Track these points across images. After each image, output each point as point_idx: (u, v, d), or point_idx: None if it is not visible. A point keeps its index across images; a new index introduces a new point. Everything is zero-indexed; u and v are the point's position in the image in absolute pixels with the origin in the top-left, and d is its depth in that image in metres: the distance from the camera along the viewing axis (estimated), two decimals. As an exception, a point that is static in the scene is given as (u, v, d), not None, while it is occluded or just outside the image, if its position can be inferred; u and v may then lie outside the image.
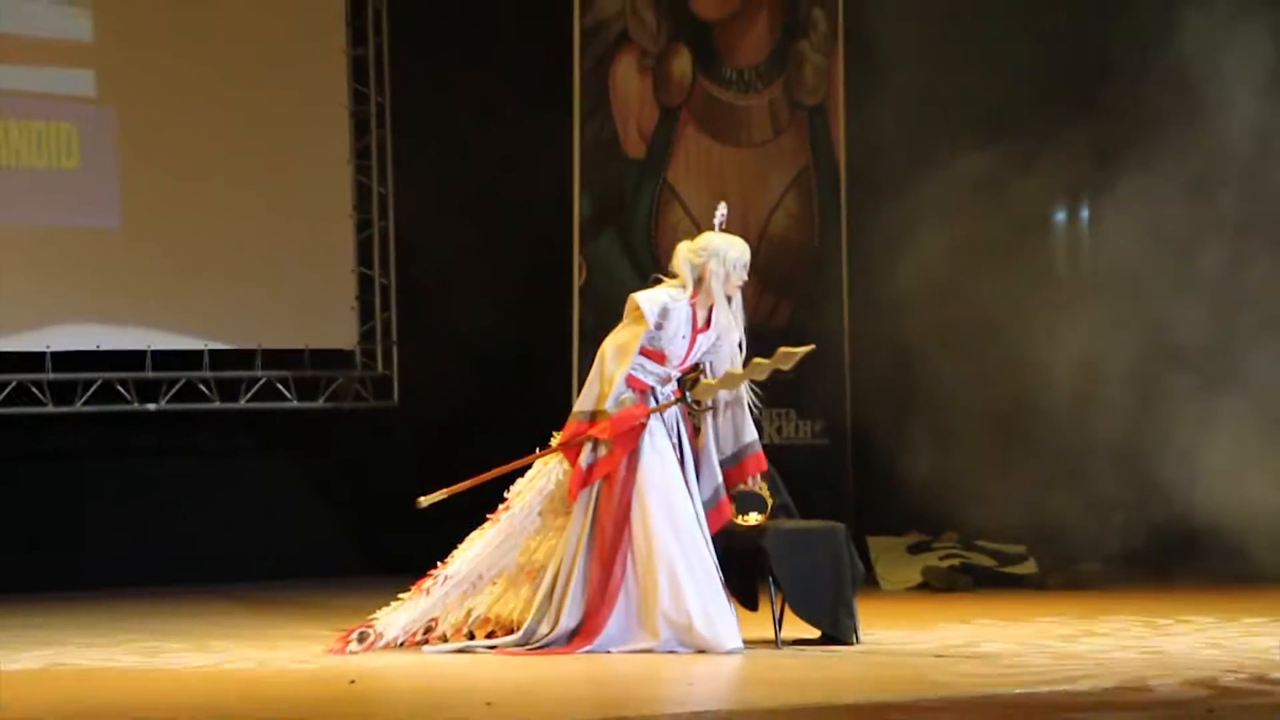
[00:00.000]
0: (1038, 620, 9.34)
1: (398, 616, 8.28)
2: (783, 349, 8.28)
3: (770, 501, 8.32)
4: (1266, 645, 8.22)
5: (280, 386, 11.28)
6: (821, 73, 11.47)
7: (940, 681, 7.32)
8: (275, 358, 11.28)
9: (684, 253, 8.28)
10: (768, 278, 11.18)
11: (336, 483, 11.55)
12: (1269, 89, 10.50)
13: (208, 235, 11.07)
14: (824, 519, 8.74)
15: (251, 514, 11.32)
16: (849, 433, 11.61)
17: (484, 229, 11.51)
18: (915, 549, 11.05)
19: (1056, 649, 8.25)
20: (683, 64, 11.21)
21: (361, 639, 8.19)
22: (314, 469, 11.53)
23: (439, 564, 8.38)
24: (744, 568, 8.40)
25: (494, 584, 8.29)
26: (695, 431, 8.31)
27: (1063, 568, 10.79)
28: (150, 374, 10.97)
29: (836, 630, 8.38)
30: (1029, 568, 10.85)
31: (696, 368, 8.31)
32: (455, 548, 8.48)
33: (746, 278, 8.28)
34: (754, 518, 8.27)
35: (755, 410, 8.39)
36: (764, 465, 8.29)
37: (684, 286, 8.22)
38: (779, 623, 8.37)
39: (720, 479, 8.24)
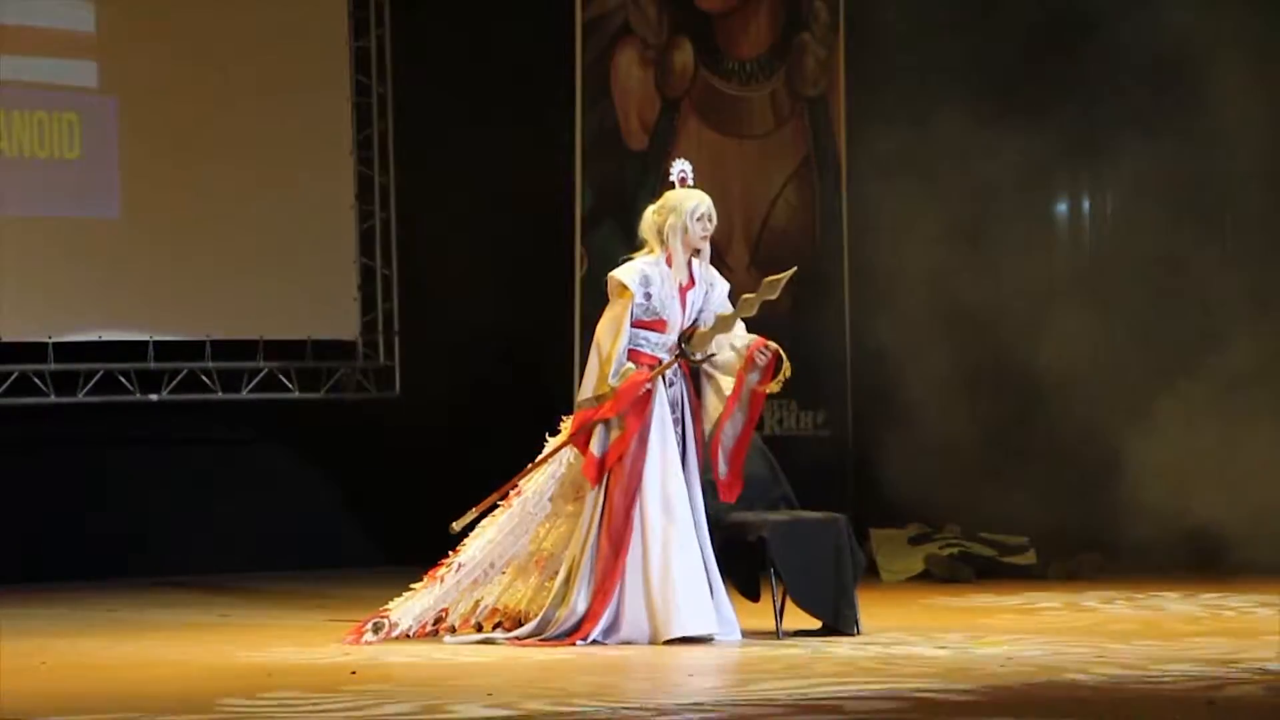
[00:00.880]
0: (1038, 611, 9.35)
1: (411, 606, 8.27)
2: (766, 279, 8.26)
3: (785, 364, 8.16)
4: (1265, 637, 8.22)
5: (282, 377, 11.29)
6: (823, 64, 11.47)
7: (941, 672, 7.33)
8: (277, 348, 11.29)
9: (647, 216, 8.32)
10: (769, 268, 11.16)
11: (338, 474, 11.56)
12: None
13: (210, 226, 11.07)
14: (825, 510, 8.75)
15: (253, 505, 11.33)
16: (850, 424, 11.62)
17: (486, 220, 11.51)
18: (917, 540, 11.05)
19: (1056, 640, 8.25)
20: (684, 56, 11.21)
21: (376, 629, 8.18)
22: (316, 460, 11.54)
23: (452, 552, 8.34)
24: (745, 558, 8.41)
25: (503, 573, 8.28)
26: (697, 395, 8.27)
27: (1063, 559, 10.79)
28: (152, 365, 10.98)
29: (838, 621, 8.38)
30: (1029, 559, 10.85)
31: (695, 325, 8.26)
32: (462, 537, 8.47)
33: (710, 228, 8.25)
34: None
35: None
36: (762, 343, 8.16)
37: (654, 251, 8.22)
38: (780, 614, 8.38)
39: (728, 453, 8.21)
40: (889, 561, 10.92)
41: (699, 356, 8.23)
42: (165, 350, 11.01)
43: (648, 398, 8.13)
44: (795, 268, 8.40)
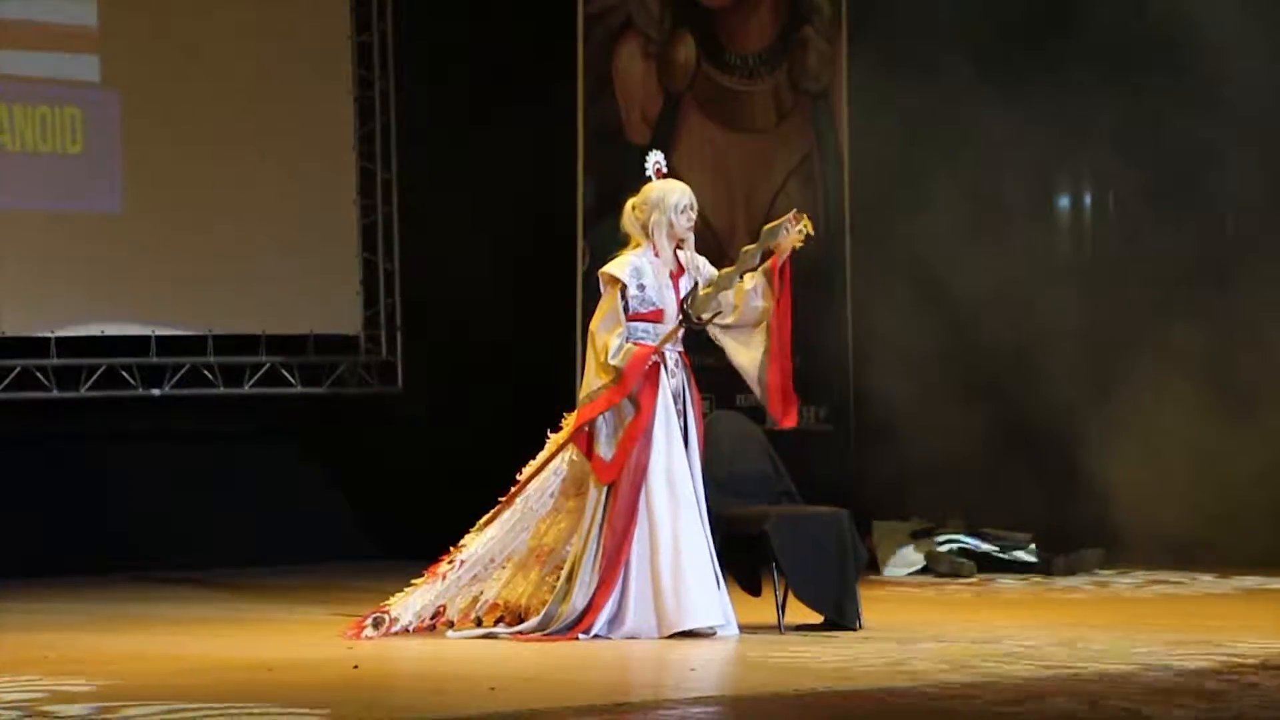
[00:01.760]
0: (1041, 606, 9.35)
1: (411, 601, 8.26)
2: (765, 226, 8.26)
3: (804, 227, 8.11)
4: (1266, 628, 8.22)
5: (284, 372, 11.29)
6: (825, 59, 11.46)
7: (943, 666, 7.33)
8: (279, 343, 11.29)
9: (628, 212, 8.30)
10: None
11: (340, 468, 11.56)
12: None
13: (211, 220, 11.08)
14: (828, 504, 8.75)
15: (255, 499, 11.33)
16: (853, 418, 11.61)
17: (488, 215, 11.52)
18: (919, 535, 11.05)
19: (1059, 634, 8.25)
20: (687, 50, 11.20)
21: (376, 624, 8.17)
22: (317, 454, 11.54)
23: (452, 548, 8.33)
24: (747, 553, 8.41)
25: (503, 568, 8.27)
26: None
27: (1066, 554, 10.79)
28: (154, 359, 10.98)
29: (839, 616, 8.38)
30: (1032, 554, 10.85)
31: (694, 288, 8.21)
32: (462, 532, 8.47)
33: (694, 218, 8.24)
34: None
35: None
36: (779, 250, 8.13)
37: (639, 245, 8.22)
38: (782, 608, 8.37)
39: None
40: (889, 555, 10.92)
41: (704, 318, 8.19)
42: (167, 345, 11.01)
43: (657, 372, 8.10)
44: (795, 211, 8.34)
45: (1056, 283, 11.17)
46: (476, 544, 8.30)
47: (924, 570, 10.86)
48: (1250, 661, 7.42)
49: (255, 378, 11.21)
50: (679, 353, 8.24)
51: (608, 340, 8.13)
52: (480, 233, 11.51)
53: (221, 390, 11.12)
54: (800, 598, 8.40)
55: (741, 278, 8.24)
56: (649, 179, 8.33)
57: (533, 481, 8.31)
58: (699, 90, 11.24)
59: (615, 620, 8.05)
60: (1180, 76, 10.65)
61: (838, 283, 11.64)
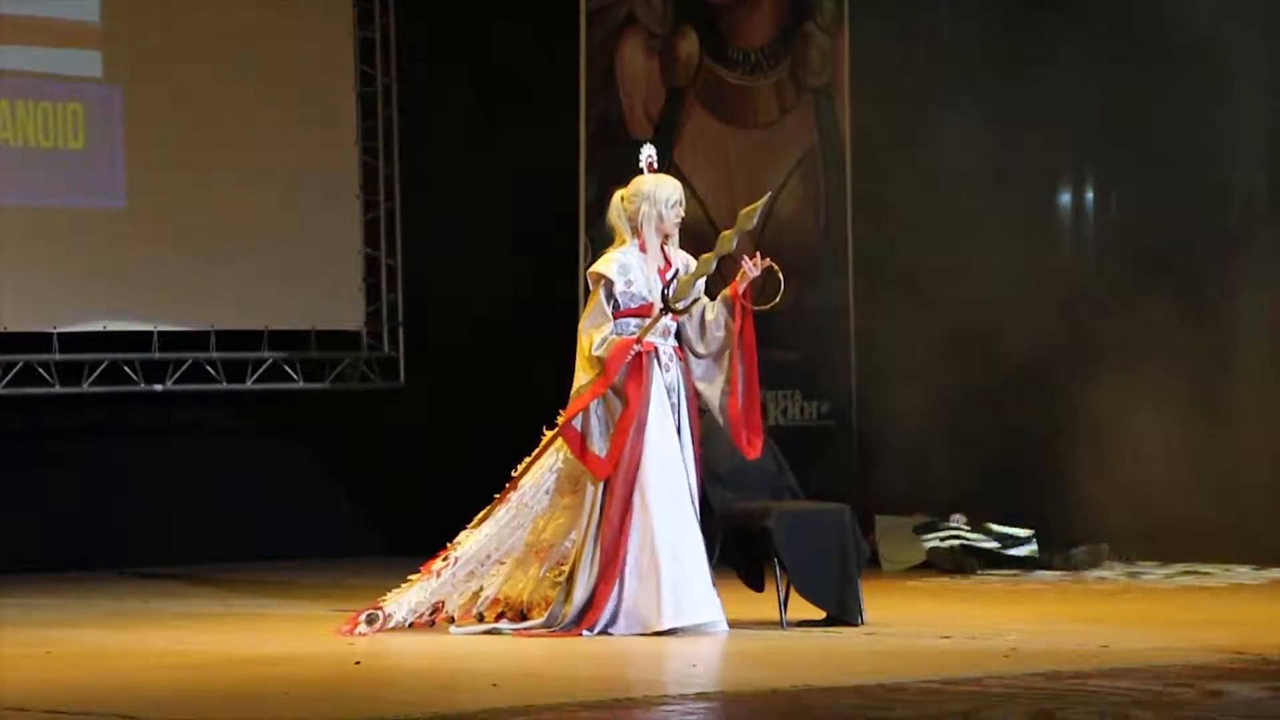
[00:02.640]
0: (1042, 602, 9.35)
1: (406, 598, 8.26)
2: (742, 210, 8.23)
3: (781, 279, 8.10)
4: (1270, 625, 8.22)
5: (287, 367, 11.29)
6: (827, 54, 11.46)
7: (945, 662, 7.33)
8: (282, 339, 11.29)
9: (616, 203, 8.26)
10: (772, 258, 11.15)
11: (342, 463, 11.56)
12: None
13: (214, 216, 11.08)
14: (829, 500, 8.75)
15: (257, 495, 11.33)
16: (854, 414, 11.61)
17: (490, 211, 11.52)
18: (921, 530, 11.05)
19: (1060, 630, 8.25)
20: (689, 45, 11.20)
21: (370, 621, 8.18)
22: (320, 450, 11.54)
23: (447, 545, 8.34)
24: (749, 549, 8.41)
25: (501, 564, 8.27)
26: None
27: (1068, 550, 10.78)
28: (157, 355, 10.98)
29: (841, 611, 8.38)
30: (1032, 550, 10.85)
31: (674, 276, 8.16)
32: (462, 528, 8.47)
33: (682, 214, 8.22)
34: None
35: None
36: (735, 280, 8.13)
37: (626, 239, 8.19)
38: (784, 604, 8.37)
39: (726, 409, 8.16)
40: (892, 552, 10.91)
41: (682, 305, 8.14)
42: (170, 340, 11.01)
43: (640, 364, 8.07)
44: (770, 194, 8.39)
45: (1060, 278, 11.17)
46: (471, 541, 8.29)
47: (926, 566, 10.85)
48: (1250, 656, 7.42)
49: (257, 373, 11.21)
50: (673, 347, 8.20)
51: (593, 335, 8.12)
52: (482, 228, 11.51)
53: (224, 386, 11.13)
54: (802, 593, 8.40)
55: (717, 265, 8.21)
56: (640, 171, 8.31)
57: (527, 478, 8.29)
58: (701, 86, 11.23)
59: (616, 617, 8.04)
60: (1184, 68, 10.65)
61: (839, 278, 11.63)
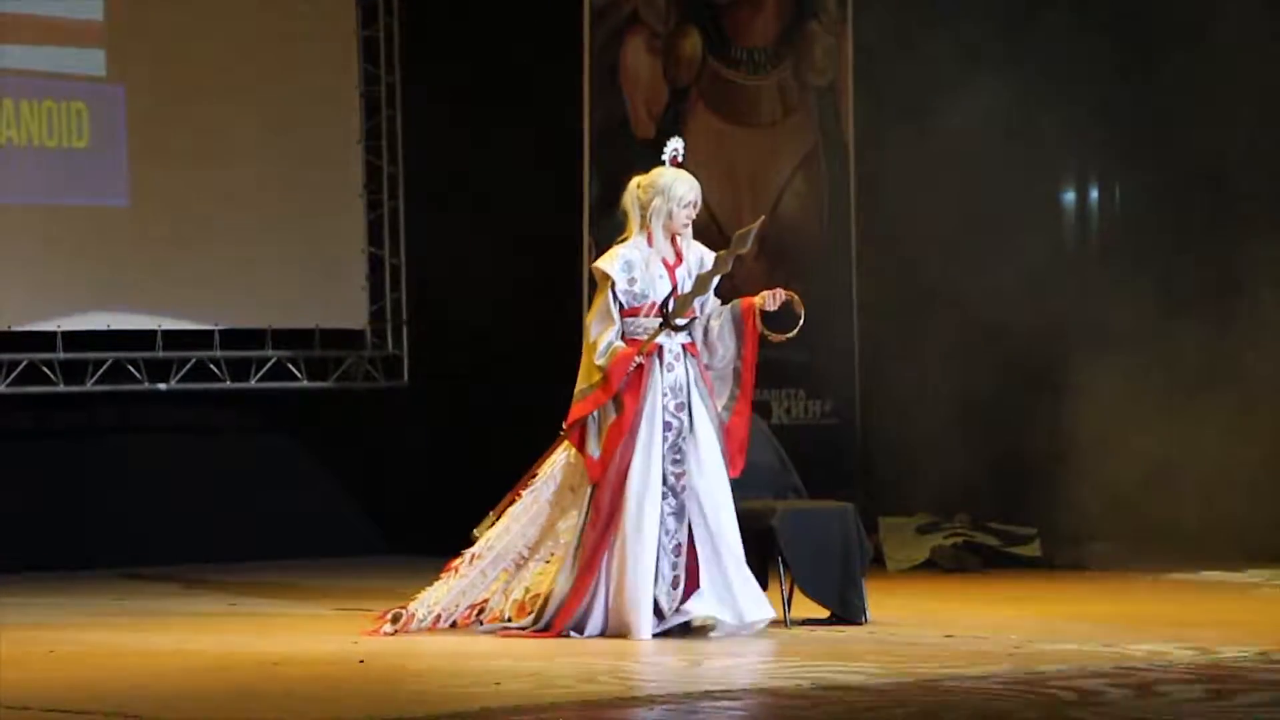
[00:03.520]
0: (1045, 601, 9.35)
1: (426, 598, 8.14)
2: (737, 232, 8.17)
3: (800, 314, 8.03)
4: (1274, 624, 8.22)
5: (290, 366, 11.30)
6: (831, 53, 11.46)
7: (948, 660, 7.33)
8: (285, 338, 11.29)
9: (631, 189, 8.16)
10: (777, 258, 11.18)
11: (346, 463, 11.56)
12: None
13: (218, 214, 11.08)
14: (833, 499, 8.75)
15: (260, 494, 11.33)
16: (858, 413, 11.62)
17: (494, 210, 11.51)
18: (924, 529, 11.05)
19: (1063, 629, 8.25)
20: (693, 44, 11.20)
21: (395, 620, 8.06)
22: (323, 449, 11.54)
23: (468, 544, 8.18)
24: (754, 547, 8.41)
25: (547, 561, 8.12)
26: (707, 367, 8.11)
27: (1071, 549, 10.79)
28: (160, 354, 10.98)
29: (845, 610, 8.39)
30: (1035, 549, 10.85)
31: (673, 291, 8.06)
32: (466, 526, 8.45)
33: (694, 215, 8.12)
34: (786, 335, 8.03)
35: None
36: (753, 302, 8.05)
37: (635, 233, 8.09)
38: (788, 602, 8.38)
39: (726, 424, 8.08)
40: (895, 550, 10.92)
41: (682, 321, 8.05)
42: (173, 339, 11.01)
43: (640, 374, 7.99)
44: (763, 217, 8.32)
45: (1063, 277, 11.17)
46: (492, 538, 8.17)
47: (929, 565, 10.86)
48: (1254, 656, 7.42)
49: (261, 372, 11.21)
50: (682, 344, 8.13)
51: (598, 339, 8.04)
52: (486, 227, 11.51)
53: (228, 384, 11.13)
54: (806, 592, 8.41)
55: (717, 282, 8.12)
56: (662, 162, 8.19)
57: (541, 475, 8.22)
58: (705, 84, 11.23)
59: (587, 620, 7.94)
60: (1190, 70, 10.65)
61: (843, 276, 11.64)
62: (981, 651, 7.61)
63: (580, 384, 8.10)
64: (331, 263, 11.39)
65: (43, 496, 10.87)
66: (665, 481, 7.99)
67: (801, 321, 8.12)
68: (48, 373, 10.77)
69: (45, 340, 10.77)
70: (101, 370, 10.86)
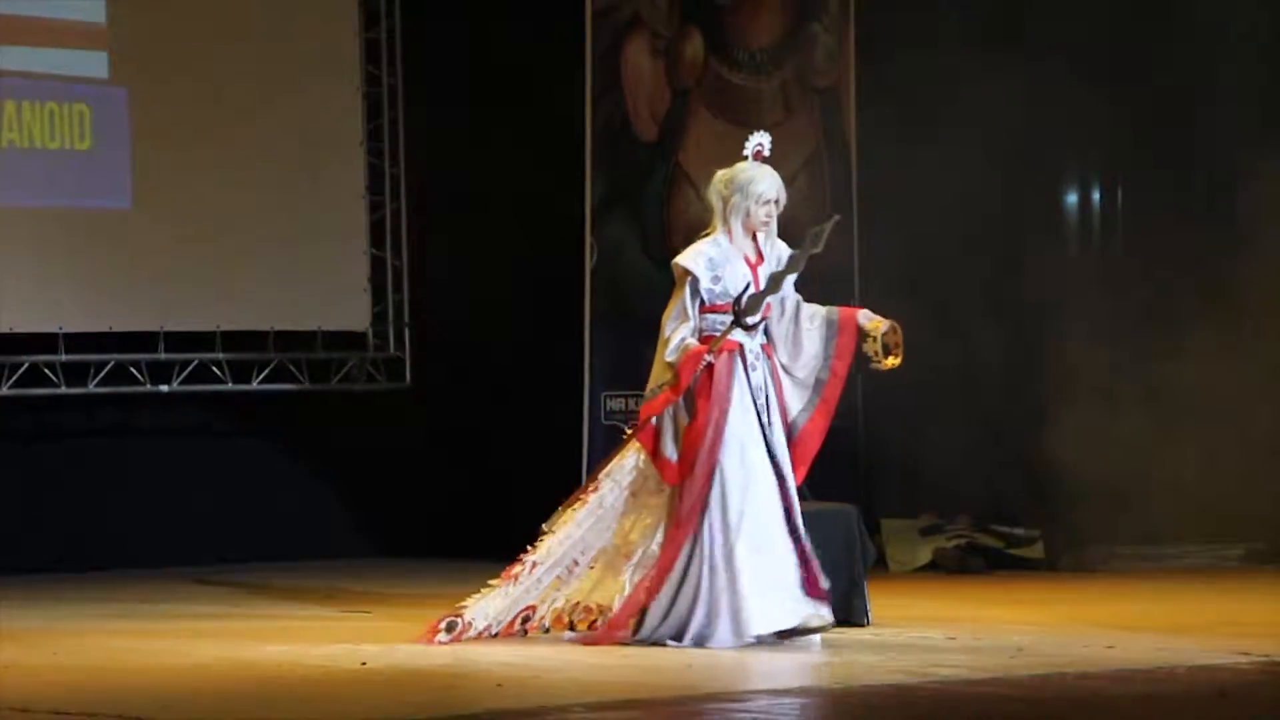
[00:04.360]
0: (1049, 603, 9.34)
1: (485, 606, 7.84)
2: (810, 231, 7.99)
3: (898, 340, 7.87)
4: (1277, 626, 8.22)
5: (292, 368, 11.29)
6: (833, 55, 11.45)
7: (952, 662, 7.32)
8: (287, 339, 11.29)
9: (714, 182, 7.96)
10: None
11: (348, 465, 11.55)
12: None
13: (220, 217, 11.08)
14: (837, 501, 8.74)
15: (263, 496, 11.33)
16: (862, 415, 11.60)
17: (496, 212, 11.51)
18: (927, 531, 11.05)
19: (1067, 631, 8.25)
20: (695, 47, 11.19)
21: (450, 629, 7.79)
22: (326, 451, 11.54)
23: (528, 549, 7.94)
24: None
25: (591, 569, 7.89)
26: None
27: (1074, 551, 10.78)
28: (163, 355, 10.98)
29: (848, 612, 8.37)
30: (1037, 551, 10.84)
31: (745, 289, 7.83)
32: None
33: (775, 213, 7.91)
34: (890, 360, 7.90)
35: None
36: (855, 316, 7.90)
37: (718, 229, 7.88)
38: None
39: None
40: (897, 552, 10.91)
41: (753, 320, 7.85)
42: (175, 341, 11.01)
43: (711, 374, 7.76)
44: (836, 216, 8.11)
45: (1065, 278, 11.16)
46: (552, 543, 7.88)
47: (932, 567, 10.85)
48: (1264, 663, 7.41)
49: (263, 374, 11.20)
50: (761, 345, 7.92)
51: (670, 335, 7.83)
52: (488, 229, 11.51)
53: (229, 386, 11.12)
54: (809, 594, 8.38)
55: (794, 280, 7.95)
56: (745, 157, 7.92)
57: (606, 478, 7.92)
58: (707, 87, 11.22)
59: (668, 623, 7.70)
60: (1186, 60, 10.65)
61: (845, 279, 11.62)
62: (984, 654, 7.60)
63: (651, 383, 7.87)
64: (333, 265, 11.39)
65: (44, 498, 10.87)
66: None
67: (901, 356, 7.92)
68: (49, 375, 10.76)
69: (47, 342, 10.76)
70: (103, 372, 10.86)
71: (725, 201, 7.92)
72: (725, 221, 7.93)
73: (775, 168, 7.83)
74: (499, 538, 11.18)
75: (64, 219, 10.81)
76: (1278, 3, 10.61)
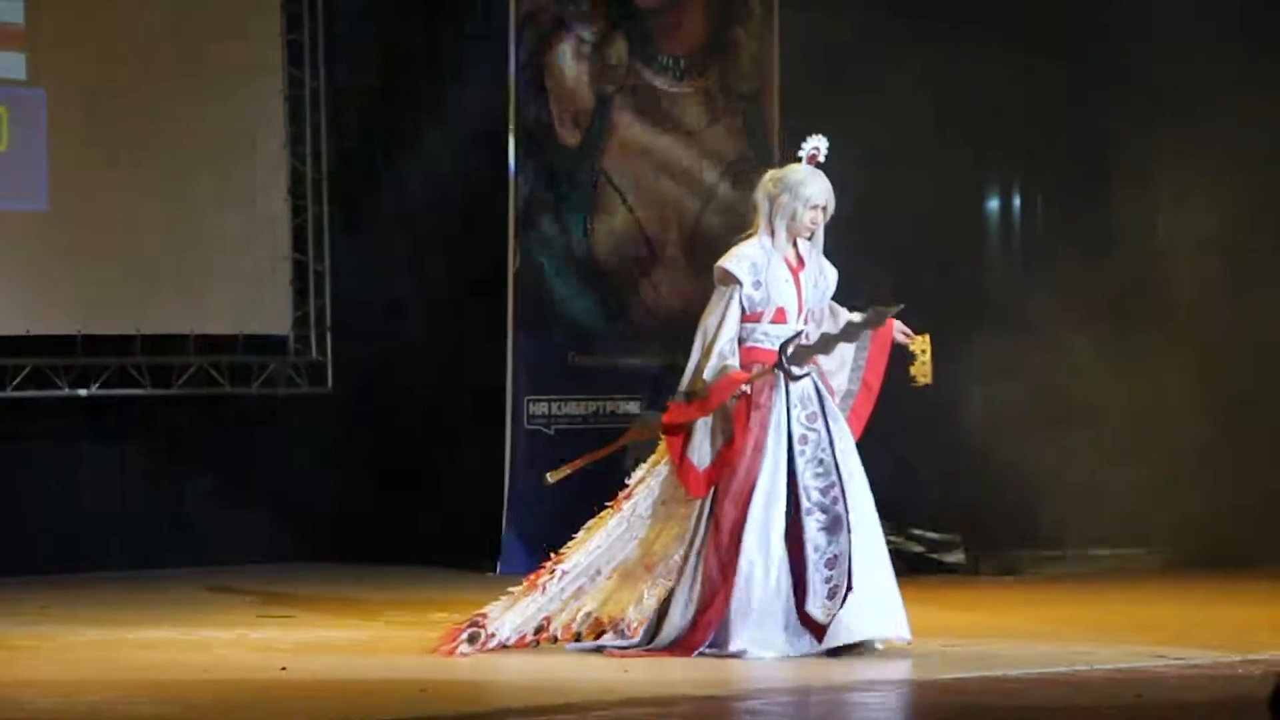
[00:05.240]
0: (971, 607, 9.37)
1: (512, 616, 7.68)
2: (875, 307, 7.85)
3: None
4: (1194, 630, 8.26)
5: (213, 372, 11.22)
6: (756, 60, 11.46)
7: (875, 666, 7.33)
8: (208, 343, 11.21)
9: (763, 182, 7.79)
10: (705, 267, 11.14)
11: (269, 468, 11.49)
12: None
13: (139, 219, 10.99)
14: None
15: (184, 500, 11.25)
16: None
17: (419, 216, 11.47)
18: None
19: (988, 635, 8.27)
20: (619, 51, 11.18)
21: (472, 640, 7.61)
22: (247, 455, 11.47)
23: (554, 556, 7.77)
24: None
25: (607, 580, 7.71)
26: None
27: (996, 556, 10.82)
28: (81, 360, 10.89)
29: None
30: (958, 557, 10.88)
31: (797, 336, 7.67)
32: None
33: (824, 219, 7.72)
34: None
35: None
36: (890, 334, 7.83)
37: (760, 230, 7.71)
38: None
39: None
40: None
41: (797, 372, 7.66)
42: (94, 345, 10.92)
43: (747, 404, 7.58)
44: (901, 305, 7.90)
45: (982, 276, 11.21)
46: (580, 553, 7.70)
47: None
48: (1179, 666, 7.45)
49: (184, 378, 11.13)
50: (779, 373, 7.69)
51: (713, 344, 7.60)
52: (411, 233, 11.47)
53: (149, 390, 11.04)
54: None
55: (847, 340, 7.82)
56: (799, 159, 7.80)
57: (641, 485, 7.73)
58: (630, 91, 11.22)
59: (726, 638, 7.54)
60: (1114, 69, 10.72)
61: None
62: (908, 658, 7.61)
63: (684, 385, 7.68)
64: (255, 269, 11.32)
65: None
66: (811, 498, 7.62)
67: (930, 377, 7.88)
68: (-34, 378, 10.66)
69: (-37, 346, 10.65)
70: (21, 376, 10.76)
71: (773, 201, 7.73)
72: (769, 221, 7.74)
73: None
74: (421, 542, 11.18)
75: (-19, 221, 10.71)
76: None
